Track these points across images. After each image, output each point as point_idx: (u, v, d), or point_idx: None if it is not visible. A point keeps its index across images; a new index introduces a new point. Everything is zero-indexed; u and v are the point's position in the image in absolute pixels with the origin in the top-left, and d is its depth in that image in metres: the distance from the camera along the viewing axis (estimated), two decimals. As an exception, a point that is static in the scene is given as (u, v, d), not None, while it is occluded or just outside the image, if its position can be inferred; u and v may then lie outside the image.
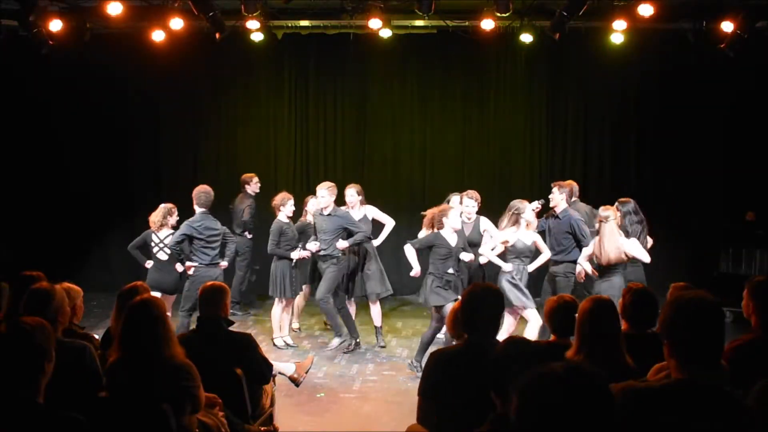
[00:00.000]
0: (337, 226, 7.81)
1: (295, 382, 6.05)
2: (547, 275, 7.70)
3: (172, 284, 7.68)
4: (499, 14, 8.28)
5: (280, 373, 5.77)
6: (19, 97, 10.45)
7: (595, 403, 1.83)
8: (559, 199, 7.65)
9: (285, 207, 8.04)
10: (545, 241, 7.58)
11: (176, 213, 7.86)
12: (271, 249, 8.01)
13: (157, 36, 8.86)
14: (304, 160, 11.22)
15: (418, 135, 11.12)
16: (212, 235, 7.50)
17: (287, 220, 8.07)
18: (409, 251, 7.43)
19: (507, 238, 7.24)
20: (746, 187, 10.10)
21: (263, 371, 4.76)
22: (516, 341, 3.05)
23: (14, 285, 4.63)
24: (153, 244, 7.69)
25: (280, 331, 8.12)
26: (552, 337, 4.21)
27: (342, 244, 7.78)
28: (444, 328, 7.42)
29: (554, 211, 7.67)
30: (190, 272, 7.45)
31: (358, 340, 8.00)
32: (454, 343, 4.18)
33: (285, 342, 8.10)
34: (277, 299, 8.12)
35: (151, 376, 3.59)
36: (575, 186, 8.22)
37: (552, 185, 7.78)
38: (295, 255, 7.99)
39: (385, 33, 9.05)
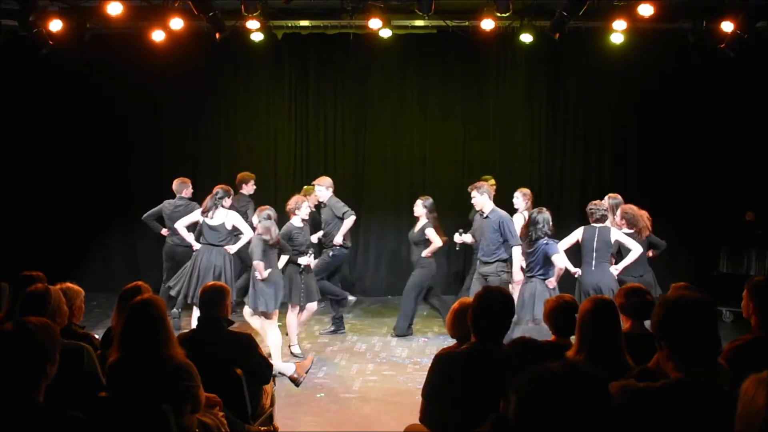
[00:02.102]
0: None
1: (295, 382, 6.08)
2: (476, 275, 7.72)
3: None
4: (499, 14, 8.28)
5: (280, 373, 5.80)
6: (19, 97, 10.42)
7: (592, 402, 1.83)
8: (481, 201, 7.71)
9: (300, 210, 7.90)
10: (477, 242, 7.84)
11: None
12: None
13: (157, 36, 8.85)
14: (304, 160, 11.21)
15: (418, 135, 11.11)
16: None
17: (300, 225, 7.82)
18: None
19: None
20: (746, 187, 10.09)
21: (263, 371, 4.75)
22: (524, 342, 3.03)
23: (14, 285, 4.64)
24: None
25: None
26: (552, 338, 4.21)
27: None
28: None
29: (482, 212, 7.74)
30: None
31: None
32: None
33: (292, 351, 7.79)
34: (290, 305, 7.81)
35: (151, 376, 3.59)
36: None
37: (468, 189, 7.87)
38: (303, 261, 7.80)
39: (385, 33, 9.04)
